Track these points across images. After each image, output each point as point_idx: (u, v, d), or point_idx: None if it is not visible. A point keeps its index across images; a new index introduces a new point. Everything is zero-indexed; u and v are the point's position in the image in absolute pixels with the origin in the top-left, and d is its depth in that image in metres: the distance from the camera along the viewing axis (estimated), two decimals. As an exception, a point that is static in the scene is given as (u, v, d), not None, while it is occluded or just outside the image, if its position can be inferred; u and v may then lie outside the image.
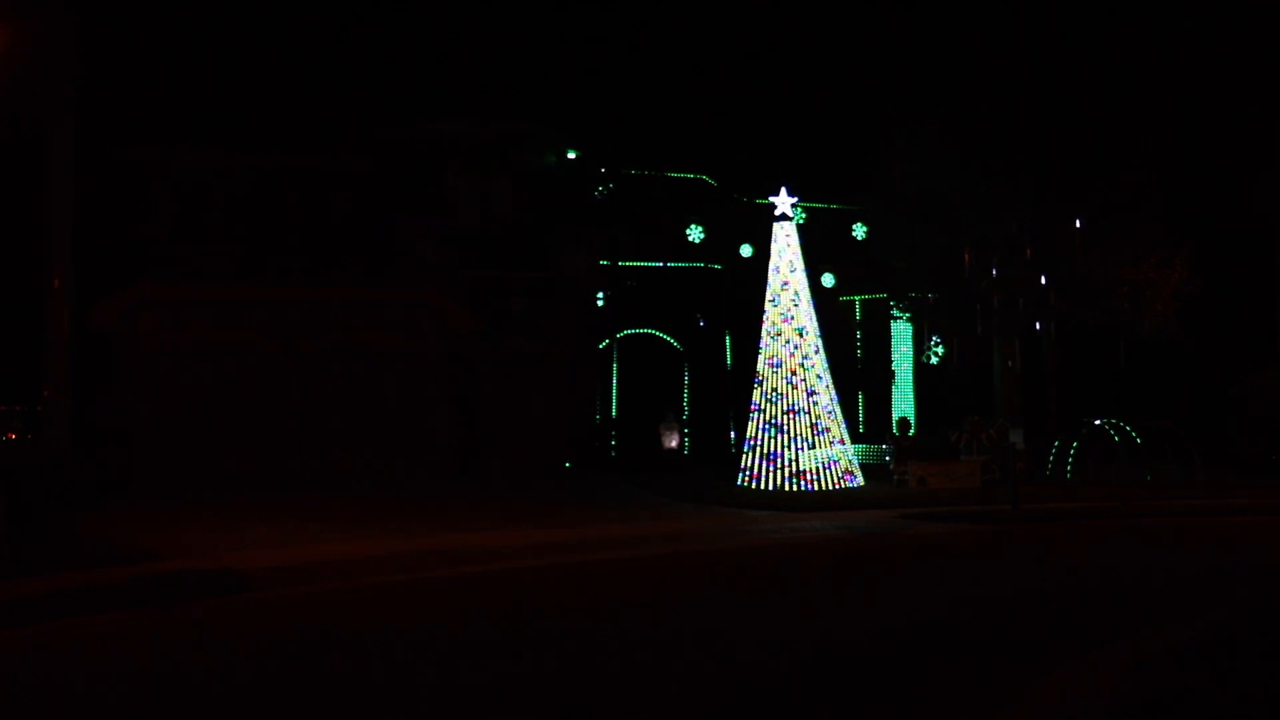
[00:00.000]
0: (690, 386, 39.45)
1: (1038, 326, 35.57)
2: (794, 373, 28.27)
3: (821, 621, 11.66)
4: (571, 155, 40.83)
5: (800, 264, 29.01)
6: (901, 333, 38.22)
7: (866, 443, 30.71)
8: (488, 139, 38.40)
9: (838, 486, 28.09)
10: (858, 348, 35.92)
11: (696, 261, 42.01)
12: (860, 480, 29.14)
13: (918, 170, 33.77)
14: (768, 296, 28.95)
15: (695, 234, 42.05)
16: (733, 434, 30.30)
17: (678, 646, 10.41)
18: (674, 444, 36.61)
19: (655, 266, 42.44)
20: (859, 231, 35.02)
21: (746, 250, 39.94)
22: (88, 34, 24.90)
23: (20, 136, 25.81)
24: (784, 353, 28.37)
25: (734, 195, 40.45)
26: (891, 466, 29.70)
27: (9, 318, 34.14)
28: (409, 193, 37.23)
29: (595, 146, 42.45)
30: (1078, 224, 33.56)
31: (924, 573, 15.52)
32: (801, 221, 29.54)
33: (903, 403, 37.23)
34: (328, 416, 33.08)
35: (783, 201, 29.06)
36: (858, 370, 35.25)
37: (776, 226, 29.00)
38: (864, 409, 33.52)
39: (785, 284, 28.75)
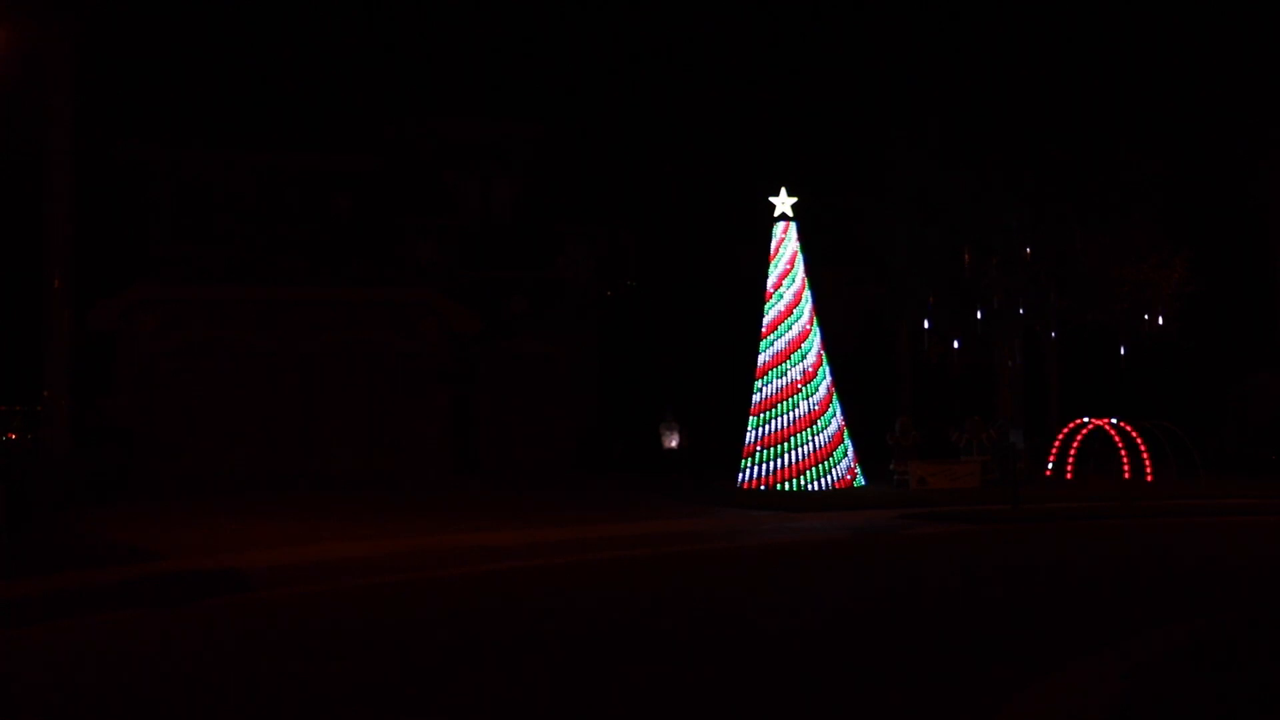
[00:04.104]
0: (690, 386, 39.41)
1: (1038, 327, 35.54)
2: (794, 372, 28.29)
3: (823, 622, 11.65)
4: (571, 155, 40.81)
5: (800, 263, 29.01)
6: (901, 332, 38.23)
7: (866, 442, 30.65)
8: (488, 139, 38.38)
9: (838, 486, 28.10)
10: (858, 347, 35.87)
11: (697, 260, 41.98)
12: (861, 480, 29.15)
13: (918, 169, 33.75)
14: (768, 296, 28.96)
15: (695, 233, 42.05)
16: (733, 433, 30.31)
17: (681, 653, 10.40)
18: (674, 444, 36.60)
19: (655, 265, 42.40)
20: (860, 231, 34.98)
21: (746, 249, 39.91)
22: (88, 34, 24.91)
23: (20, 137, 25.83)
24: (784, 352, 28.39)
25: (734, 194, 40.42)
26: (892, 466, 29.71)
27: (9, 318, 34.12)
28: (409, 192, 37.21)
29: (595, 146, 42.42)
30: (1078, 224, 33.52)
31: (925, 573, 15.51)
32: (801, 220, 29.49)
33: (903, 403, 37.21)
34: (328, 416, 33.09)
35: (782, 201, 29.06)
36: (858, 369, 35.21)
37: (777, 226, 29.01)
38: (864, 408, 33.48)
39: (785, 283, 28.76)
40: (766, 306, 28.93)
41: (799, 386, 28.20)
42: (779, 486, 27.60)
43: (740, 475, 28.51)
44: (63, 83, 23.85)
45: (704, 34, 44.70)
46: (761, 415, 28.43)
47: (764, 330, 28.86)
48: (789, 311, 28.60)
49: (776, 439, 28.07)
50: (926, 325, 34.42)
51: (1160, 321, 33.57)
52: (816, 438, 28.11)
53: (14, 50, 22.93)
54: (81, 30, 24.43)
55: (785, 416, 28.11)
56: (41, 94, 24.34)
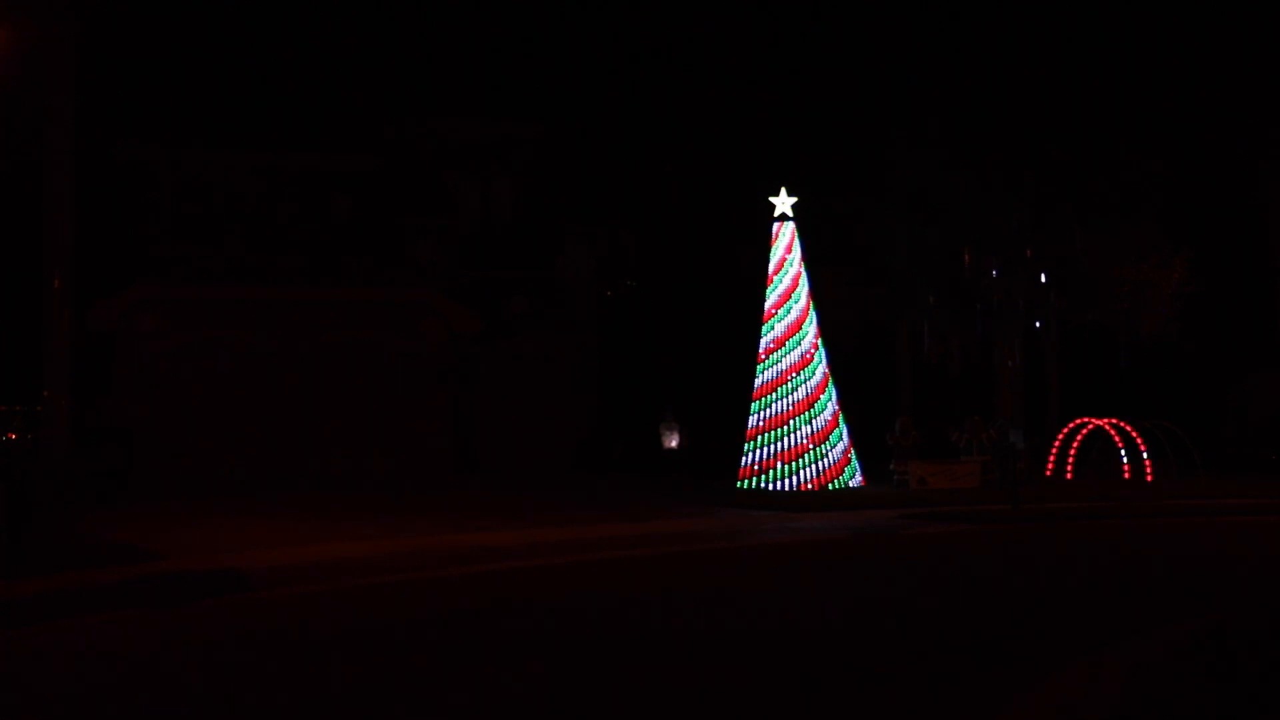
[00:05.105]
0: (690, 386, 39.41)
1: (1038, 326, 35.53)
2: (794, 372, 28.26)
3: (823, 622, 11.64)
4: (571, 155, 40.81)
5: (800, 263, 29.00)
6: (901, 332, 38.18)
7: (866, 442, 30.64)
8: (488, 139, 38.37)
9: (838, 486, 28.08)
10: (858, 347, 35.84)
11: (697, 260, 41.97)
12: (861, 480, 29.13)
13: (918, 169, 33.72)
14: (768, 296, 28.95)
15: (695, 233, 42.04)
16: (733, 433, 30.29)
17: (680, 653, 10.39)
18: (674, 444, 36.57)
19: (655, 265, 42.40)
20: (859, 231, 34.95)
21: (746, 249, 39.91)
22: (88, 34, 24.88)
23: (20, 137, 25.81)
24: (784, 352, 28.36)
25: (734, 194, 40.42)
26: (892, 466, 29.70)
27: (9, 318, 34.09)
28: (410, 193, 37.19)
29: (595, 146, 42.42)
30: (1078, 224, 33.51)
31: (925, 573, 15.51)
32: (801, 220, 29.48)
33: (903, 403, 37.18)
34: (328, 416, 33.08)
35: (783, 201, 29.05)
36: (858, 369, 35.20)
37: (776, 226, 29.00)
38: (864, 408, 33.47)
39: (785, 283, 28.75)
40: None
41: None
42: (775, 470, 27.60)
43: (740, 478, 28.46)
44: (63, 83, 23.81)
45: (704, 34, 44.69)
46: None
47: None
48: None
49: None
50: (926, 325, 34.39)
51: (1160, 321, 33.53)
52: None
53: (14, 50, 22.91)
54: (81, 30, 24.40)
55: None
56: (41, 94, 24.30)
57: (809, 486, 27.65)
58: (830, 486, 27.93)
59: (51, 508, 20.64)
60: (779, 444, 27.90)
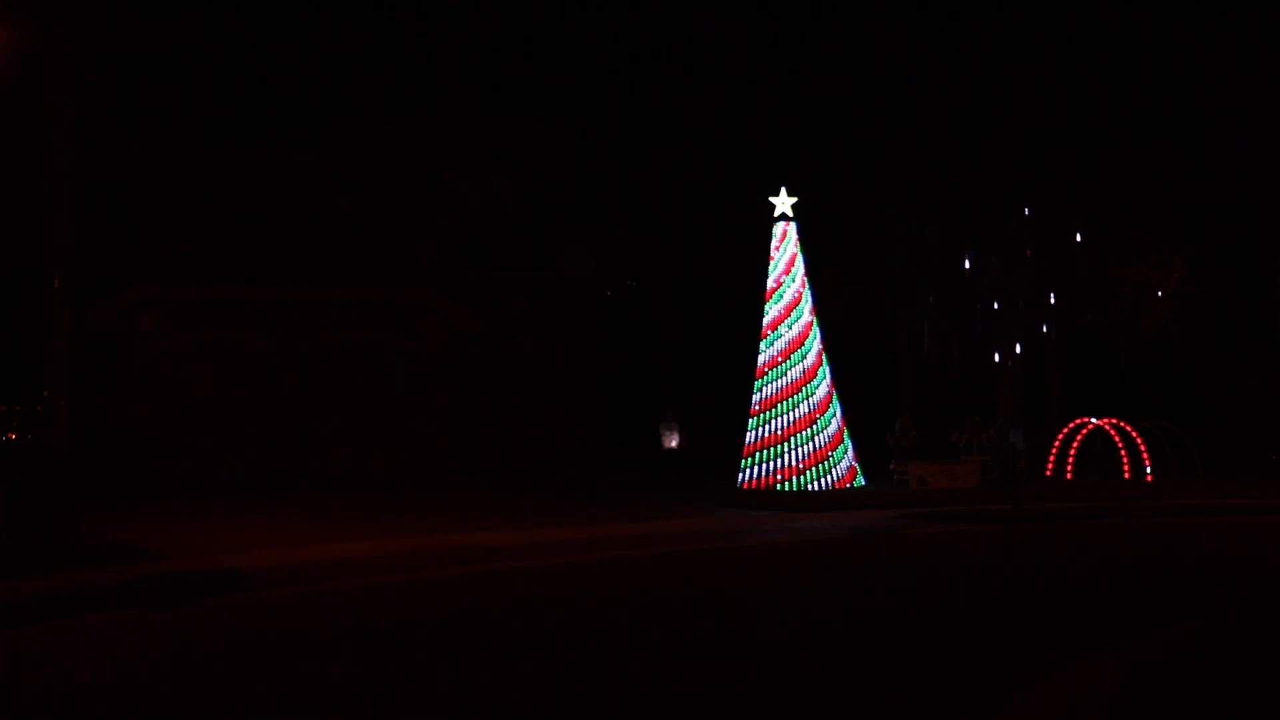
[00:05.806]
0: (690, 386, 39.43)
1: (1038, 327, 35.55)
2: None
3: (823, 622, 11.64)
4: (571, 155, 40.84)
5: (800, 263, 28.97)
6: (901, 332, 38.20)
7: (866, 442, 30.63)
8: (488, 139, 38.41)
9: (838, 487, 28.07)
10: (858, 347, 35.85)
11: (697, 260, 41.98)
12: (861, 480, 29.11)
13: (918, 169, 33.73)
14: (768, 296, 28.91)
15: (695, 233, 42.05)
16: (733, 434, 30.29)
17: (681, 653, 10.39)
18: (674, 444, 36.60)
19: (655, 265, 42.41)
20: (859, 231, 34.97)
21: (746, 249, 39.93)
22: (88, 34, 24.92)
23: (20, 137, 25.84)
24: (784, 352, 28.33)
25: (734, 194, 40.44)
26: (892, 466, 29.69)
27: (9, 318, 34.12)
28: (410, 193, 37.21)
29: (595, 146, 42.44)
30: (1078, 224, 33.53)
31: (925, 574, 15.50)
32: (801, 220, 29.47)
33: (903, 403, 37.19)
34: (327, 416, 33.11)
35: (783, 201, 29.03)
36: (858, 369, 35.21)
37: (776, 226, 28.98)
38: (864, 408, 33.49)
39: (785, 283, 28.72)
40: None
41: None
42: (779, 486, 27.58)
43: (740, 478, 28.41)
44: (63, 83, 23.86)
45: (704, 34, 44.70)
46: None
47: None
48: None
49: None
50: (926, 325, 34.39)
51: (1159, 322, 33.54)
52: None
53: (14, 50, 22.94)
54: (81, 30, 24.44)
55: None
56: (41, 94, 24.34)
57: (808, 486, 27.61)
58: (828, 486, 27.87)
59: (51, 508, 20.69)
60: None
